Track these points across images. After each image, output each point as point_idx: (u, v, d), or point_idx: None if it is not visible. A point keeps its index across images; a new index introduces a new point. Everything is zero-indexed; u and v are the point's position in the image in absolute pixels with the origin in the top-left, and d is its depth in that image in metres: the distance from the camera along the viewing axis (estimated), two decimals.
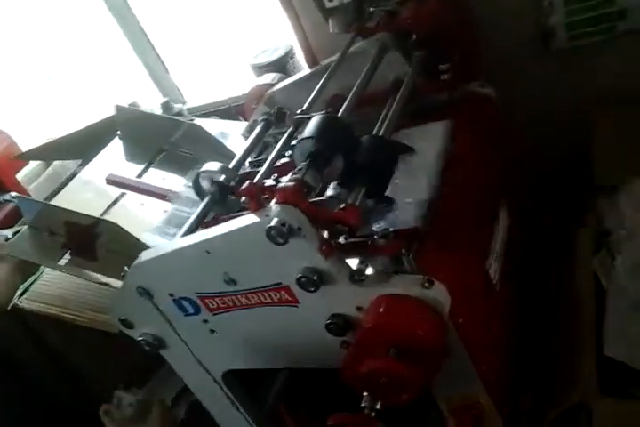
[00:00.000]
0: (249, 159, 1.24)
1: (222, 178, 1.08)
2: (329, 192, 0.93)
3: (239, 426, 1.18)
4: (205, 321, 1.01)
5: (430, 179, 1.05)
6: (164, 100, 1.95)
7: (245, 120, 1.60)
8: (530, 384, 1.15)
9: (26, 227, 1.52)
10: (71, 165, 1.83)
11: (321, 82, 1.18)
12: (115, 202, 1.50)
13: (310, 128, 0.95)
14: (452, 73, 1.20)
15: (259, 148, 1.27)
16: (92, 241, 1.35)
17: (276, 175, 1.09)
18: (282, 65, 1.73)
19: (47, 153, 1.83)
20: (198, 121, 1.71)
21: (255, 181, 0.97)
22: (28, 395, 1.73)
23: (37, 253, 1.49)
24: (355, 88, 1.13)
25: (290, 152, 1.11)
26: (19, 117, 2.61)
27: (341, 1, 1.35)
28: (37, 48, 2.79)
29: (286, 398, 1.21)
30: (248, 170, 1.21)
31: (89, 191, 1.56)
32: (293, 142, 1.08)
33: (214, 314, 0.99)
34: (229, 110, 1.93)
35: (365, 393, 0.86)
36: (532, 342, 1.20)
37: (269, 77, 1.46)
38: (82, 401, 1.77)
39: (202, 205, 1.09)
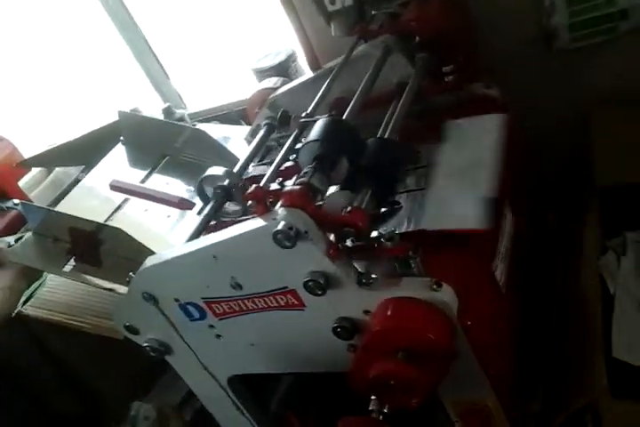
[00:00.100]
0: (252, 164, 1.23)
1: (226, 182, 1.08)
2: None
3: None
4: (211, 326, 1.01)
5: (488, 175, 1.02)
6: (166, 105, 1.94)
7: (247, 125, 1.60)
8: (538, 387, 1.14)
9: (30, 233, 1.52)
10: (73, 171, 1.82)
11: (325, 85, 1.18)
12: (118, 208, 1.49)
13: (316, 131, 0.95)
14: (457, 74, 1.20)
15: (262, 152, 1.27)
16: (97, 247, 1.34)
17: (280, 179, 1.09)
18: (284, 69, 1.73)
19: (50, 160, 1.82)
20: (201, 126, 1.71)
21: (261, 184, 0.96)
22: (32, 402, 1.72)
23: (41, 260, 1.49)
24: (359, 91, 1.12)
25: (294, 156, 1.11)
26: (20, 124, 2.61)
27: (343, 4, 1.35)
28: (36, 54, 2.79)
29: (293, 403, 1.21)
30: (252, 174, 1.21)
31: (93, 197, 1.55)
32: (298, 146, 1.08)
33: (220, 319, 0.99)
34: (230, 115, 1.93)
35: (373, 397, 0.85)
36: (540, 344, 1.20)
37: (272, 82, 1.46)
38: (85, 408, 1.76)
39: (206, 209, 1.09)
